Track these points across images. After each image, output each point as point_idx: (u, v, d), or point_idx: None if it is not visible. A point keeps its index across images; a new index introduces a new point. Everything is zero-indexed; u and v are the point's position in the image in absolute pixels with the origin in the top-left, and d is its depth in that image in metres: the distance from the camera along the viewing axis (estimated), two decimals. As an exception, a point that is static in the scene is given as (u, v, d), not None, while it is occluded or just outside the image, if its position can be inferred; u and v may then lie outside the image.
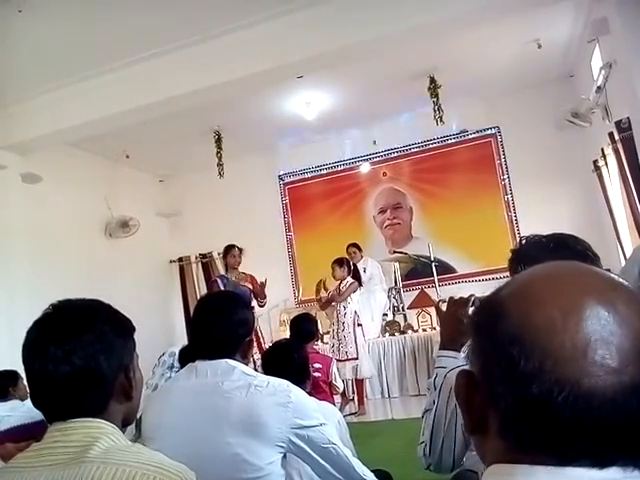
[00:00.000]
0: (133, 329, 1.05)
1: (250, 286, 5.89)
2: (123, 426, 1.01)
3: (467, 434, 0.61)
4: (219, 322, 1.55)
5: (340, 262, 5.82)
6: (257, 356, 5.68)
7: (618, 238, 5.50)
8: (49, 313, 0.98)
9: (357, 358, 5.48)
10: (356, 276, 5.91)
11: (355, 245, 6.61)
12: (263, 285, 5.73)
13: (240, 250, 6.03)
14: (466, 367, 0.57)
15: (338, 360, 5.42)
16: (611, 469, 0.48)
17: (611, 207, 5.59)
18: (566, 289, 0.52)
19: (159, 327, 7.29)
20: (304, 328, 3.82)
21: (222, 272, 7.93)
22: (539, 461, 0.49)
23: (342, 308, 5.68)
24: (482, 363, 0.54)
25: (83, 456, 0.87)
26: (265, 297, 5.85)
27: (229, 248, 6.02)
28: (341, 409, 5.43)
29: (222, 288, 5.85)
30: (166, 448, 1.10)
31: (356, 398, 5.64)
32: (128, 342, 1.03)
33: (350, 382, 5.67)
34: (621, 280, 0.54)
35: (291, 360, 2.22)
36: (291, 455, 1.51)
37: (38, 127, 5.21)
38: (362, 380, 5.62)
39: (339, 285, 5.77)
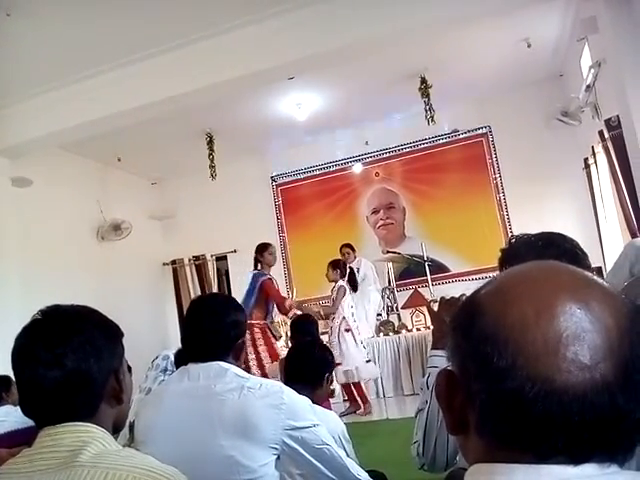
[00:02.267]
0: (121, 334, 1.05)
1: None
2: (114, 432, 1.00)
3: (450, 434, 0.62)
4: (211, 324, 1.55)
5: (334, 264, 5.82)
6: (267, 360, 5.39)
7: (599, 235, 5.56)
8: (38, 319, 0.98)
9: (340, 364, 5.40)
10: (351, 279, 5.92)
11: (348, 246, 6.62)
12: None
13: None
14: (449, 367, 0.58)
15: None
16: (587, 465, 0.48)
17: (596, 205, 5.65)
18: (540, 287, 0.53)
19: (153, 330, 7.28)
20: (305, 328, 3.83)
21: (214, 275, 7.96)
22: (517, 458, 0.50)
23: (332, 314, 5.71)
24: (460, 361, 0.55)
25: (73, 460, 0.87)
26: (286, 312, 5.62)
27: (267, 245, 5.61)
28: (343, 414, 5.42)
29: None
30: (159, 451, 1.10)
31: (359, 400, 5.60)
32: (117, 346, 1.03)
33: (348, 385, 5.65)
34: (596, 278, 0.54)
35: (317, 356, 2.22)
36: (284, 456, 1.51)
37: (28, 130, 5.18)
38: (358, 383, 5.58)
39: (332, 289, 5.79)
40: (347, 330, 5.67)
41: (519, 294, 0.53)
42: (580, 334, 0.48)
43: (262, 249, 5.62)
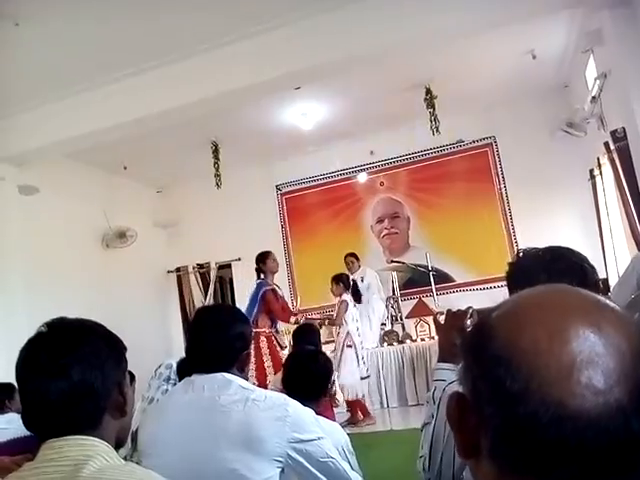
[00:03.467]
0: (125, 348, 1.06)
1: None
2: (117, 447, 1.00)
3: (460, 458, 0.61)
4: (216, 335, 1.54)
5: (337, 279, 5.81)
6: (270, 371, 5.23)
7: (602, 246, 5.54)
8: (43, 332, 0.98)
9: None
10: (354, 291, 5.89)
11: (353, 255, 6.61)
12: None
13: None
14: (459, 388, 0.57)
15: None
16: None
17: (600, 217, 5.63)
18: (553, 311, 0.52)
19: (156, 338, 7.27)
20: (307, 338, 3.81)
21: (218, 283, 7.97)
22: None
23: (337, 327, 5.74)
24: (472, 384, 0.54)
25: (76, 475, 0.86)
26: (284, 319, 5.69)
27: (267, 254, 5.62)
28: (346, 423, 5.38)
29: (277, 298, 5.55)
30: (163, 464, 1.09)
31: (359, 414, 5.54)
32: (121, 359, 1.03)
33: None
34: (608, 302, 0.54)
35: (317, 368, 2.19)
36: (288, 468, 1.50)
37: (35, 139, 5.21)
38: (355, 401, 5.50)
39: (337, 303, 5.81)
40: (349, 346, 5.63)
41: (531, 318, 0.52)
42: (594, 358, 0.48)
43: (263, 258, 5.62)
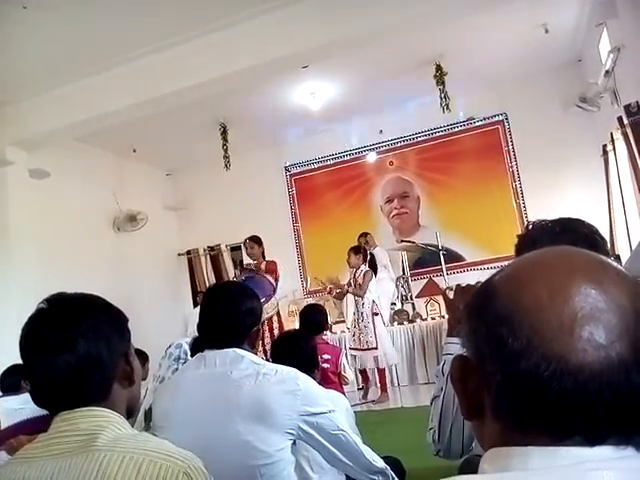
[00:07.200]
0: (126, 319, 1.06)
1: (269, 277, 5.89)
2: (128, 415, 1.01)
3: (465, 420, 0.62)
4: (227, 311, 1.56)
5: (357, 249, 5.83)
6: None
7: (610, 222, 5.46)
8: (43, 307, 0.98)
9: (376, 348, 5.48)
10: (371, 264, 5.91)
11: (366, 235, 6.61)
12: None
13: (252, 241, 6.00)
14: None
15: (359, 349, 5.49)
16: (603, 447, 0.48)
17: (609, 192, 5.55)
18: (554, 269, 0.53)
19: (168, 320, 7.35)
20: (314, 319, 3.83)
21: (229, 265, 8.03)
22: (533, 440, 0.50)
23: (360, 298, 5.67)
24: (475, 345, 0.55)
25: (90, 445, 0.87)
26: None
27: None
28: (364, 397, 5.48)
29: (239, 279, 5.83)
30: (176, 437, 1.11)
31: (378, 386, 5.64)
32: (124, 330, 1.04)
33: (373, 371, 5.68)
34: (610, 261, 0.54)
35: (299, 350, 2.23)
36: (300, 443, 1.52)
37: (45, 123, 5.23)
38: (384, 369, 5.60)
39: (354, 273, 5.75)
40: (376, 314, 5.66)
41: (533, 276, 0.53)
42: (595, 314, 0.49)
43: None
